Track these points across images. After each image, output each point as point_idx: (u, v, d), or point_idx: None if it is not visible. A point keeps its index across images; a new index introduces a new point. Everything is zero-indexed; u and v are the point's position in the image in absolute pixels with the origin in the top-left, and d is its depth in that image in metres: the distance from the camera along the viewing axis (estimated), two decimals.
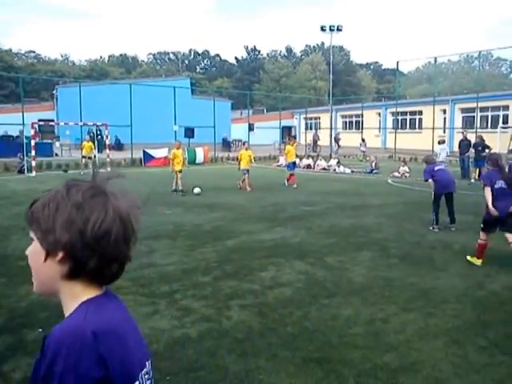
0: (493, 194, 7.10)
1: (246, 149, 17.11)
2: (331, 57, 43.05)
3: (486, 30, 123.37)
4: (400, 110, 39.29)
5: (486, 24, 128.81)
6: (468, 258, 7.49)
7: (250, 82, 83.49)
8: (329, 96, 43.22)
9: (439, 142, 23.88)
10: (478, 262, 7.33)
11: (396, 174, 21.48)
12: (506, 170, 7.75)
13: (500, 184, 7.12)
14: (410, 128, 42.77)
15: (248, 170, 16.35)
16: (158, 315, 5.16)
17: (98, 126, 26.44)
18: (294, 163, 18.33)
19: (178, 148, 15.95)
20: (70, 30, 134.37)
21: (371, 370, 3.99)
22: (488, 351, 4.37)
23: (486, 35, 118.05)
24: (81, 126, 25.49)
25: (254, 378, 3.86)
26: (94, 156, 22.26)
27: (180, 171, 15.48)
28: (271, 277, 6.53)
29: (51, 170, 23.41)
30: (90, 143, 22.20)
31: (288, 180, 17.67)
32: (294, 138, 21.28)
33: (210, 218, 10.93)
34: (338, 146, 36.73)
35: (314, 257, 7.57)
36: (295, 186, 17.05)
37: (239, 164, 16.79)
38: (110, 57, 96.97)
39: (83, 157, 22.04)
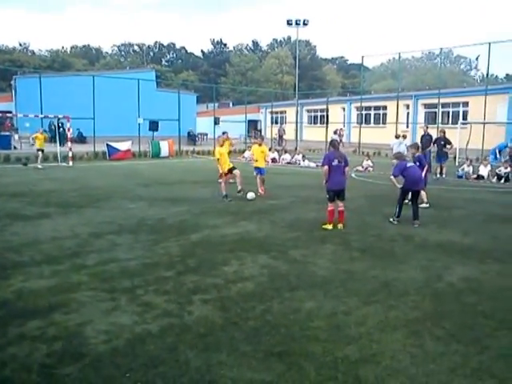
0: (331, 170, 9.22)
1: (260, 144, 13.98)
2: (297, 51, 43.21)
3: (447, 28, 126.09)
4: (365, 104, 39.86)
5: (448, 22, 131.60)
6: (323, 226, 9.20)
7: (215, 75, 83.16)
8: (295, 90, 43.35)
9: (396, 137, 24.34)
10: (330, 226, 9.20)
11: (360, 168, 21.77)
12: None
13: (336, 162, 9.22)
14: (375, 123, 43.47)
15: (261, 170, 13.68)
16: (118, 311, 5.07)
17: (59, 118, 25.76)
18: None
19: (221, 145, 13.13)
20: (30, 19, 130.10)
21: (332, 363, 4.03)
22: (444, 341, 4.48)
23: (448, 33, 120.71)
24: (41, 119, 24.80)
25: (216, 373, 3.84)
26: (43, 150, 21.20)
27: (232, 170, 12.87)
28: (234, 271, 6.52)
29: (9, 163, 22.75)
30: (44, 135, 21.24)
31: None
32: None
33: (173, 211, 10.83)
34: (341, 141, 36.23)
35: (278, 250, 7.59)
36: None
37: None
38: (72, 47, 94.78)
39: (38, 150, 21.04)
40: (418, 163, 11.84)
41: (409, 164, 10.21)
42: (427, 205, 11.84)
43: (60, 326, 4.65)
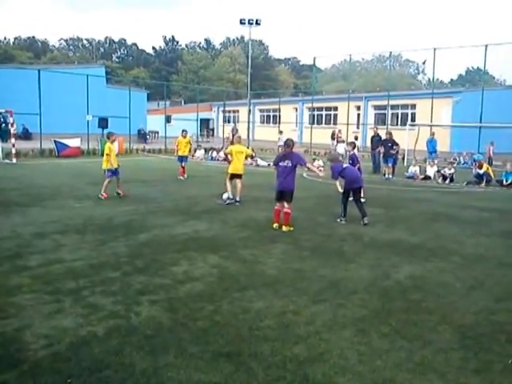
0: (278, 171, 9.31)
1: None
2: (250, 50, 43.26)
3: (397, 32, 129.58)
4: (316, 105, 40.41)
5: (397, 26, 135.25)
6: (273, 226, 9.18)
7: (167, 73, 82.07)
8: (247, 90, 43.41)
9: (355, 138, 24.97)
10: (274, 225, 9.20)
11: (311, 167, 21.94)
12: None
13: (283, 163, 9.25)
14: (326, 123, 44.09)
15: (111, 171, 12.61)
16: (61, 313, 4.88)
17: (1, 113, 24.62)
18: (182, 157, 17.52)
19: (239, 142, 12.88)
20: None
21: (280, 362, 4.02)
22: (390, 337, 4.57)
23: (397, 37, 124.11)
24: None
25: (162, 376, 3.76)
26: None
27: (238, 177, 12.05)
28: (183, 271, 6.42)
29: None
30: None
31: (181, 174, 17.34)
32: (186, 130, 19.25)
33: (121, 211, 10.58)
34: (337, 142, 35.58)
35: (228, 250, 7.54)
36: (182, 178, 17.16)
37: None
38: (16, 39, 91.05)
39: None
40: (350, 161, 12.26)
41: (344, 165, 10.53)
42: (363, 200, 12.09)
43: None
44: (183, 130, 18.30)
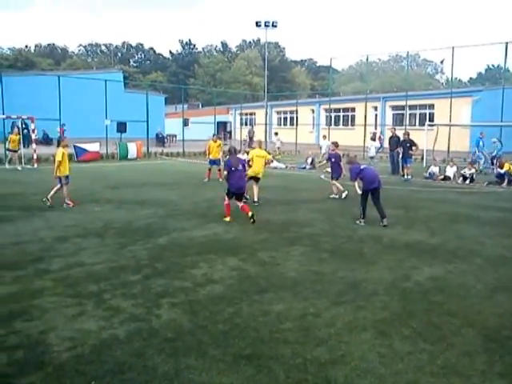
0: (231, 174, 9.98)
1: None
2: (266, 53, 43.33)
3: (414, 32, 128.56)
4: (333, 106, 40.22)
5: (414, 26, 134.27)
6: (223, 219, 9.98)
7: (184, 77, 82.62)
8: (264, 92, 43.48)
9: (372, 139, 24.78)
10: (227, 219, 9.97)
11: (329, 169, 21.85)
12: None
13: (234, 168, 9.99)
14: (343, 124, 43.87)
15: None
16: (84, 316, 4.95)
17: (23, 119, 25.03)
18: (214, 160, 17.48)
19: (260, 146, 13.53)
20: None
21: (301, 365, 4.01)
22: (411, 340, 4.53)
23: (415, 37, 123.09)
24: (3, 119, 24.02)
25: (184, 378, 3.78)
26: (18, 149, 21.08)
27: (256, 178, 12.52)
28: (203, 274, 6.45)
29: None
30: (19, 136, 21.10)
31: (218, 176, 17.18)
32: (218, 135, 19.80)
33: (141, 214, 10.66)
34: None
35: (247, 252, 7.56)
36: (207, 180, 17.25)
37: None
38: (36, 46, 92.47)
39: (9, 150, 20.86)
40: (333, 159, 13.97)
41: (362, 166, 10.40)
42: (336, 196, 13.70)
43: (21, 334, 4.50)
44: (214, 134, 18.62)
